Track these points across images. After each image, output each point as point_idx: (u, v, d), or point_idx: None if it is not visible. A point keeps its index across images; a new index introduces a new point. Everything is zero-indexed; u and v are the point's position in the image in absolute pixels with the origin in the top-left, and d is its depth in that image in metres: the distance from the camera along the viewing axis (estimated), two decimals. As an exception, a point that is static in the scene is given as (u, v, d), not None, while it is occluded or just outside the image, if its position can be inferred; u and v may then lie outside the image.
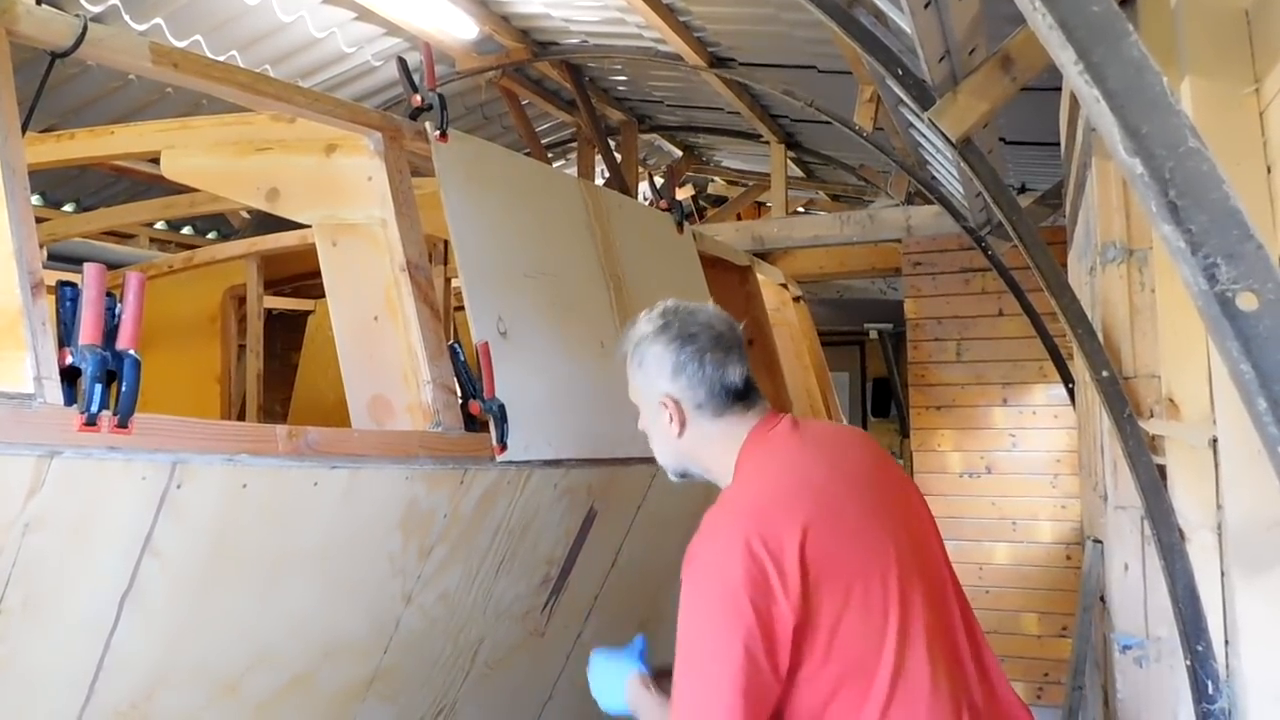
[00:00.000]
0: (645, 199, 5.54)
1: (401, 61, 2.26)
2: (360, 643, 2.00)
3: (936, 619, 1.57)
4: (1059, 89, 2.87)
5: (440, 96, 2.19)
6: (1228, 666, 1.59)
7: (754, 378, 1.71)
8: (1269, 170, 1.41)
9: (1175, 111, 0.69)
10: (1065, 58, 0.71)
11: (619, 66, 5.58)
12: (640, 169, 6.65)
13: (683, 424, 1.67)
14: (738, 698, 1.39)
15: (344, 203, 2.18)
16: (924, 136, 3.86)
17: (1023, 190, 4.97)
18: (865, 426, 9.09)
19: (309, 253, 2.76)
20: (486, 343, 2.09)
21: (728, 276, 3.89)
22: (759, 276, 4.16)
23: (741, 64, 4.87)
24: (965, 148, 2.16)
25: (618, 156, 6.17)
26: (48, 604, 1.49)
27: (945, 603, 1.62)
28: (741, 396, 1.68)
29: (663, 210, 3.24)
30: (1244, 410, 0.70)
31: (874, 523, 1.57)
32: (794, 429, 1.67)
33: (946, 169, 4.16)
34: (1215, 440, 1.56)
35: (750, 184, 7.83)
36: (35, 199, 4.69)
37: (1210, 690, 1.59)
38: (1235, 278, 0.66)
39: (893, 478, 1.72)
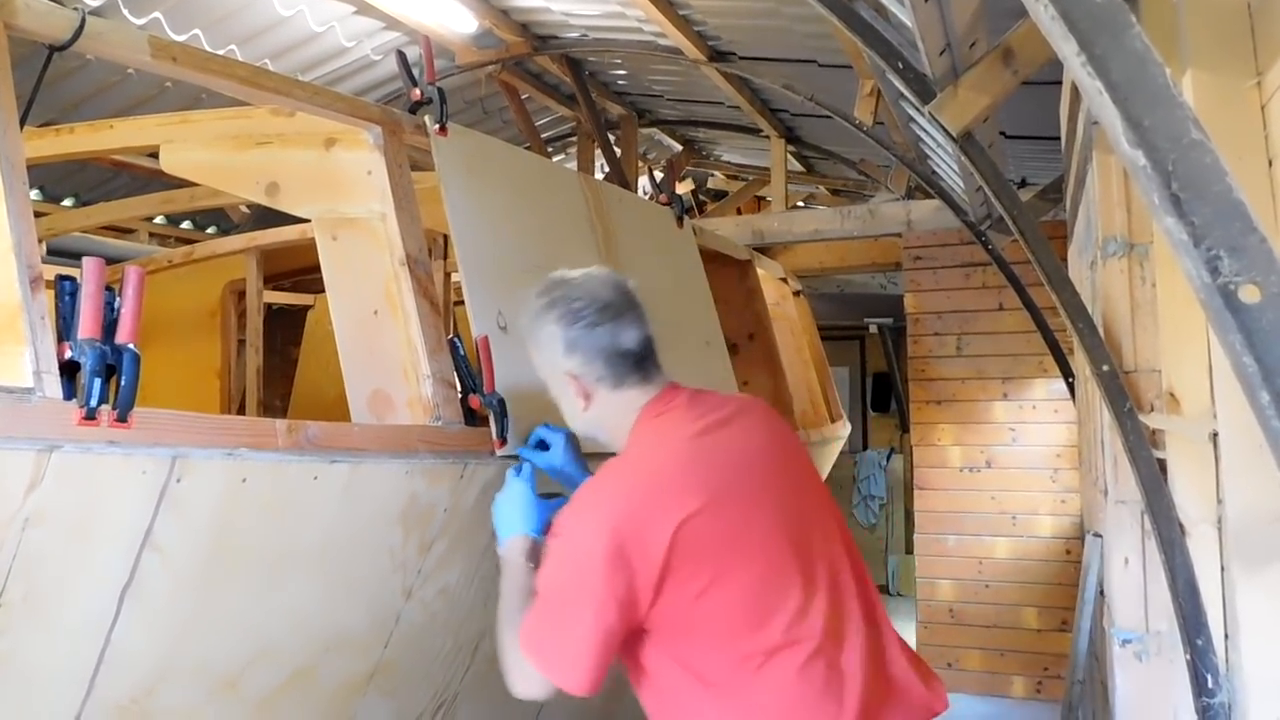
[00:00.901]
0: (645, 193, 5.53)
1: (401, 55, 2.26)
2: (360, 638, 2.00)
3: (826, 596, 1.62)
4: (1059, 83, 2.86)
5: (440, 90, 2.19)
6: (1227, 661, 1.59)
7: (652, 339, 1.75)
8: (1270, 164, 1.40)
9: (1178, 104, 0.68)
10: (1068, 49, 0.70)
11: (619, 61, 5.56)
12: (640, 163, 6.65)
13: (587, 397, 1.72)
14: (592, 639, 1.53)
15: (344, 197, 2.17)
16: (924, 131, 3.86)
17: (1023, 184, 4.97)
18: (865, 421, 9.09)
19: (308, 247, 2.76)
20: (486, 337, 2.09)
21: (728, 271, 3.88)
22: (759, 271, 4.16)
23: (742, 58, 4.87)
24: (966, 142, 2.16)
25: (617, 151, 6.16)
26: (48, 599, 1.49)
27: (836, 579, 1.66)
28: (639, 363, 1.72)
29: (663, 204, 3.24)
30: (1245, 404, 0.70)
31: (759, 509, 1.63)
32: (689, 408, 1.71)
33: (947, 163, 4.15)
34: (1216, 434, 1.56)
35: (750, 178, 7.82)
36: (34, 194, 4.69)
37: (1210, 684, 1.59)
38: (1238, 270, 0.66)
39: (783, 453, 1.75)
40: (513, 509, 1.86)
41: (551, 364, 1.75)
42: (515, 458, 2.04)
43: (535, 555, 1.77)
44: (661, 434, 1.68)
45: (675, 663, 1.60)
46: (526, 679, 1.63)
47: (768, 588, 1.58)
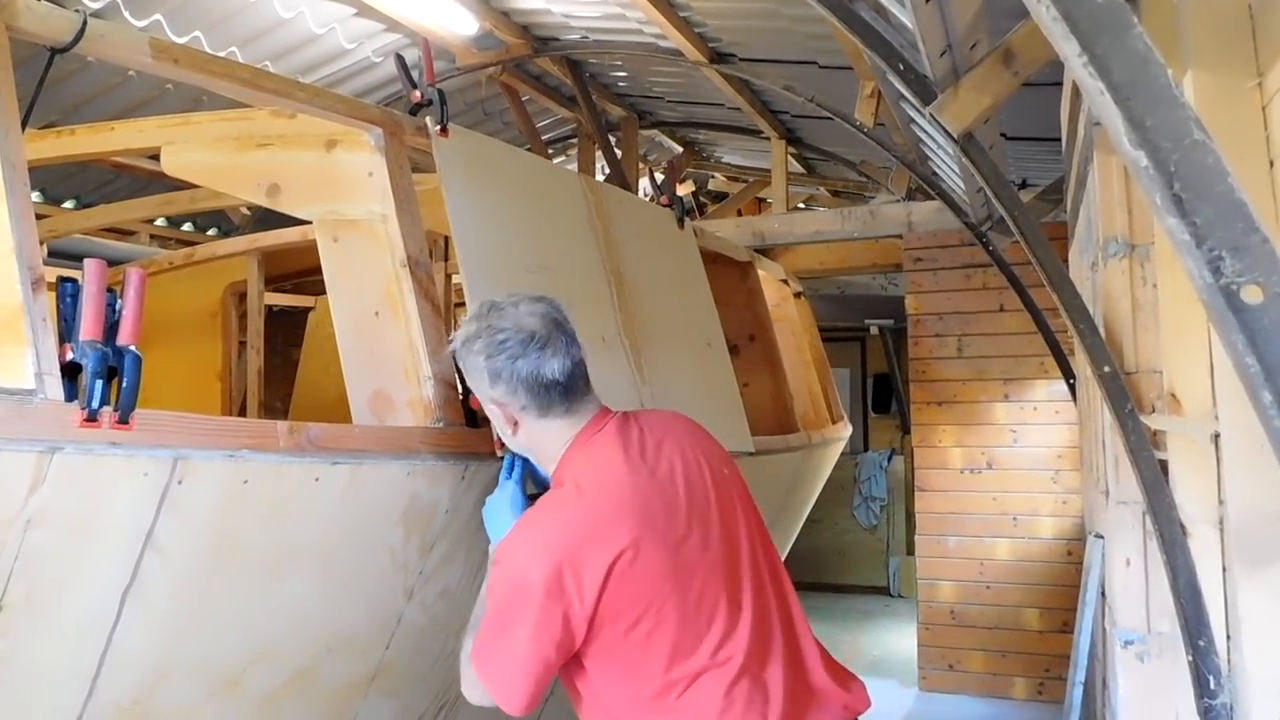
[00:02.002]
0: (646, 195, 5.54)
1: (400, 58, 2.26)
2: (362, 638, 2.00)
3: (750, 615, 1.68)
4: (1060, 84, 2.86)
5: (440, 92, 2.19)
6: (1229, 661, 1.59)
7: (580, 368, 1.76)
8: (1271, 164, 1.40)
9: (1180, 104, 0.68)
10: (1069, 50, 0.70)
11: (619, 62, 5.56)
12: (641, 165, 6.65)
13: (514, 424, 1.75)
14: (526, 665, 1.60)
15: (345, 198, 2.18)
16: (925, 132, 3.86)
17: (1024, 186, 4.97)
18: (866, 422, 9.09)
19: (309, 249, 2.76)
20: (487, 338, 2.09)
21: (729, 272, 3.88)
22: (760, 272, 4.16)
23: (742, 59, 4.87)
24: (967, 143, 2.16)
25: (618, 152, 6.16)
26: (50, 600, 1.49)
27: (760, 596, 1.72)
28: (565, 393, 1.73)
29: (663, 206, 3.24)
30: (1246, 405, 0.70)
31: (687, 538, 1.67)
32: (618, 434, 1.74)
33: (948, 164, 4.15)
34: (1217, 435, 1.56)
35: (751, 180, 7.82)
36: (35, 195, 4.70)
37: (1212, 685, 1.59)
38: (1240, 271, 0.66)
39: (710, 473, 1.78)
40: (503, 511, 1.88)
41: (479, 390, 1.78)
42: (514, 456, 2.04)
43: None
44: (593, 463, 1.71)
45: (609, 687, 1.66)
46: (472, 686, 1.72)
47: (696, 616, 1.64)
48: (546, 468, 1.79)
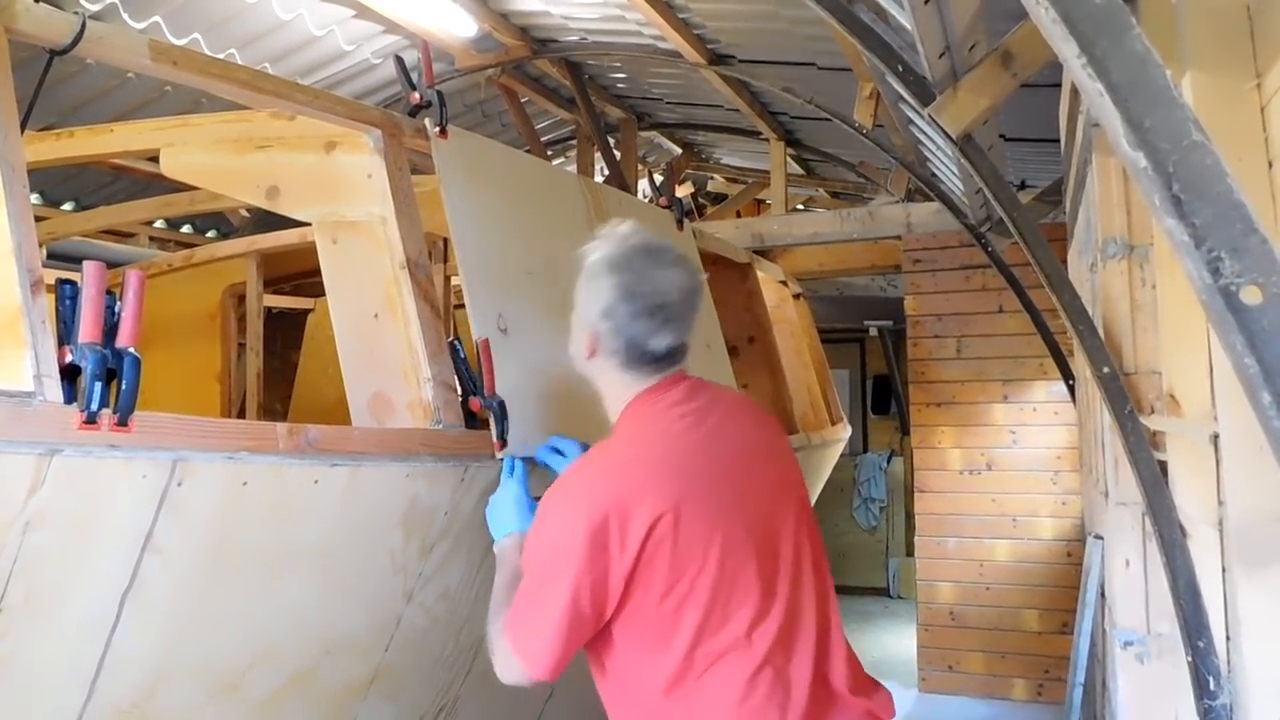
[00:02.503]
0: (645, 196, 5.54)
1: (399, 59, 2.26)
2: (361, 641, 2.00)
3: (783, 606, 1.64)
4: (1058, 85, 2.87)
5: (439, 93, 2.19)
6: (1229, 662, 1.59)
7: (686, 346, 1.74)
8: (1270, 165, 1.40)
9: (1179, 105, 0.68)
10: (1068, 51, 0.70)
11: (618, 64, 5.57)
12: (640, 166, 6.65)
13: (592, 354, 1.72)
14: (561, 625, 1.57)
15: (344, 200, 2.18)
16: (924, 133, 3.86)
17: (1022, 187, 4.97)
18: (865, 424, 9.09)
19: (309, 251, 2.76)
20: (487, 340, 2.09)
21: (728, 274, 3.88)
22: (759, 274, 4.16)
23: (741, 61, 4.87)
24: (966, 144, 2.16)
25: (617, 154, 6.16)
26: (49, 602, 1.49)
27: (796, 590, 1.68)
28: (657, 362, 1.71)
29: (663, 207, 3.24)
30: (1245, 406, 0.70)
31: (729, 513, 1.63)
32: (685, 398, 1.71)
33: (947, 166, 4.15)
34: (1216, 436, 1.56)
35: (750, 181, 7.82)
36: (34, 198, 4.69)
37: (1212, 686, 1.59)
38: (1239, 271, 0.66)
39: (765, 457, 1.75)
40: (506, 509, 1.88)
41: (585, 307, 1.72)
42: (529, 459, 2.04)
43: None
44: (652, 421, 1.68)
45: (635, 660, 1.62)
46: (506, 661, 1.68)
47: (729, 594, 1.60)
48: (602, 403, 1.77)
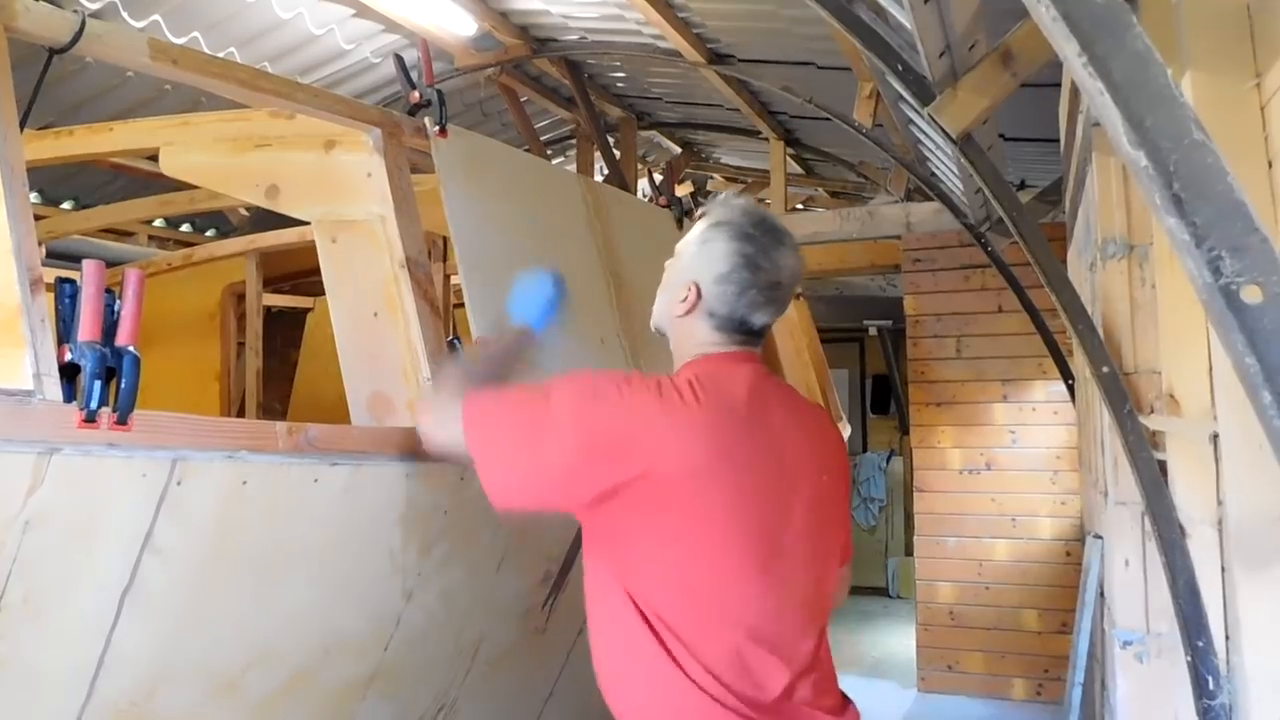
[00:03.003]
0: (644, 196, 5.53)
1: (398, 58, 2.26)
2: (360, 640, 2.00)
3: (777, 618, 1.60)
4: (1058, 85, 2.87)
5: (439, 92, 2.19)
6: (1228, 662, 1.59)
7: (769, 327, 1.76)
8: (1270, 165, 1.40)
9: (1179, 104, 0.68)
10: (1069, 50, 0.70)
11: (618, 63, 5.57)
12: (639, 166, 6.65)
13: (689, 312, 1.71)
14: (534, 467, 1.59)
15: (343, 199, 2.17)
16: (924, 133, 3.86)
17: (1022, 186, 4.97)
18: (865, 423, 9.09)
19: (308, 250, 2.76)
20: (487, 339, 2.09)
21: (727, 273, 3.87)
22: (758, 273, 4.15)
23: (741, 60, 4.87)
24: (965, 143, 2.16)
25: (616, 153, 6.16)
26: (48, 601, 1.49)
27: (796, 609, 1.63)
28: (747, 335, 1.72)
29: (662, 207, 3.24)
30: (1245, 406, 0.70)
31: (757, 504, 1.60)
32: (754, 376, 1.69)
33: (946, 165, 4.15)
34: (1216, 436, 1.56)
35: (749, 181, 7.82)
36: (33, 196, 4.69)
37: (1211, 685, 1.59)
38: (1240, 271, 0.66)
39: (815, 471, 1.71)
40: (537, 297, 1.94)
41: (695, 265, 1.72)
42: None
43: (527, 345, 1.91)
44: (716, 378, 1.66)
45: (638, 610, 1.58)
46: (442, 432, 1.68)
47: (731, 578, 1.57)
48: (674, 351, 1.77)
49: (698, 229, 1.76)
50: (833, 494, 1.74)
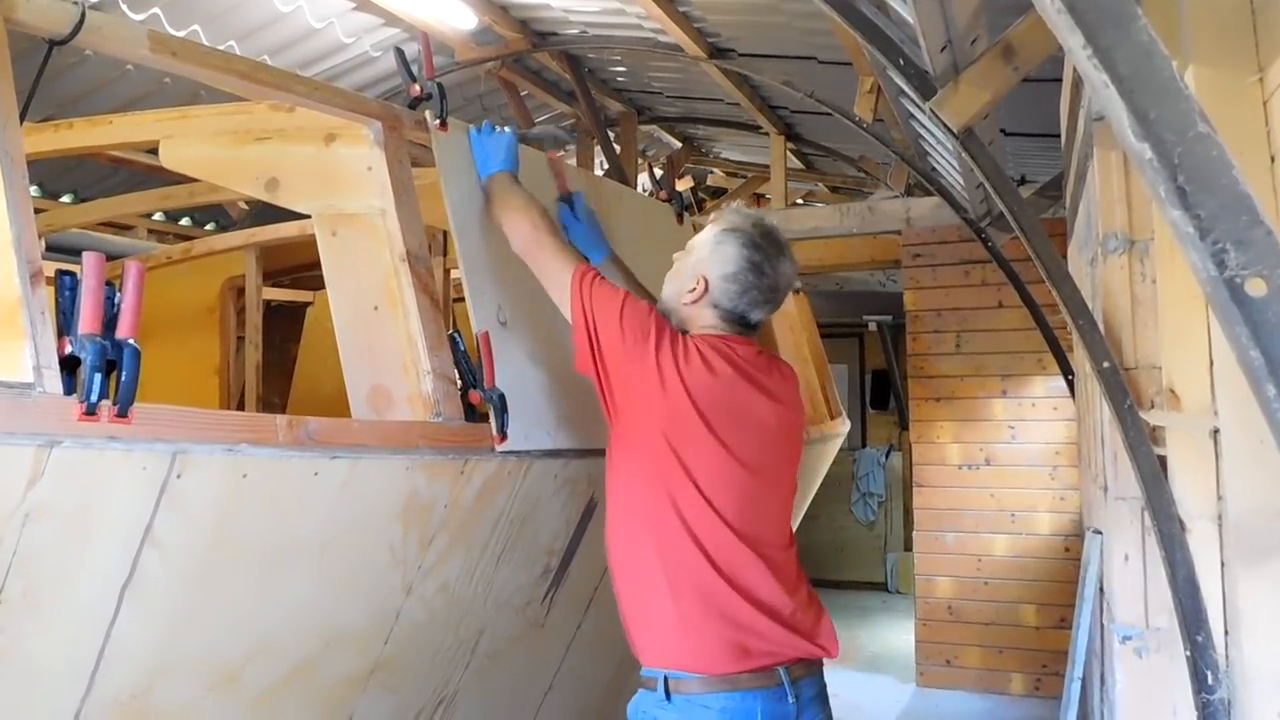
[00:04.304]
0: (645, 190, 5.53)
1: (399, 51, 2.25)
2: (361, 633, 2.00)
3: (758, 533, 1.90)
4: (1058, 80, 2.86)
5: (439, 85, 2.18)
6: (1227, 657, 1.59)
7: (767, 321, 2.07)
8: (1272, 160, 1.40)
9: (1184, 96, 0.68)
10: (1074, 42, 0.70)
11: (618, 57, 5.55)
12: (640, 160, 6.64)
13: (695, 302, 1.98)
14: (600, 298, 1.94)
15: (344, 193, 2.17)
16: (924, 128, 3.85)
17: (1022, 182, 4.96)
18: (864, 419, 9.09)
19: (308, 244, 2.76)
20: (487, 332, 2.09)
21: (727, 268, 3.87)
22: (758, 268, 4.15)
23: (741, 55, 4.86)
24: (966, 138, 2.16)
25: (617, 148, 6.15)
26: (48, 594, 1.49)
27: (761, 542, 1.91)
28: (744, 325, 2.00)
29: (662, 201, 3.24)
30: (1245, 401, 0.70)
31: (741, 455, 1.89)
32: (752, 358, 1.98)
33: (947, 160, 4.15)
34: (1216, 431, 1.56)
35: (750, 175, 7.81)
36: (33, 190, 4.67)
37: (1210, 680, 1.59)
38: (1244, 263, 0.66)
39: (783, 432, 2.02)
40: (497, 150, 2.20)
41: (705, 262, 1.98)
42: (514, 453, 2.05)
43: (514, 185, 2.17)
44: (714, 349, 1.93)
45: (668, 499, 1.86)
46: (515, 231, 2.10)
47: (725, 493, 1.87)
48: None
49: (712, 230, 2.02)
50: (794, 452, 2.07)
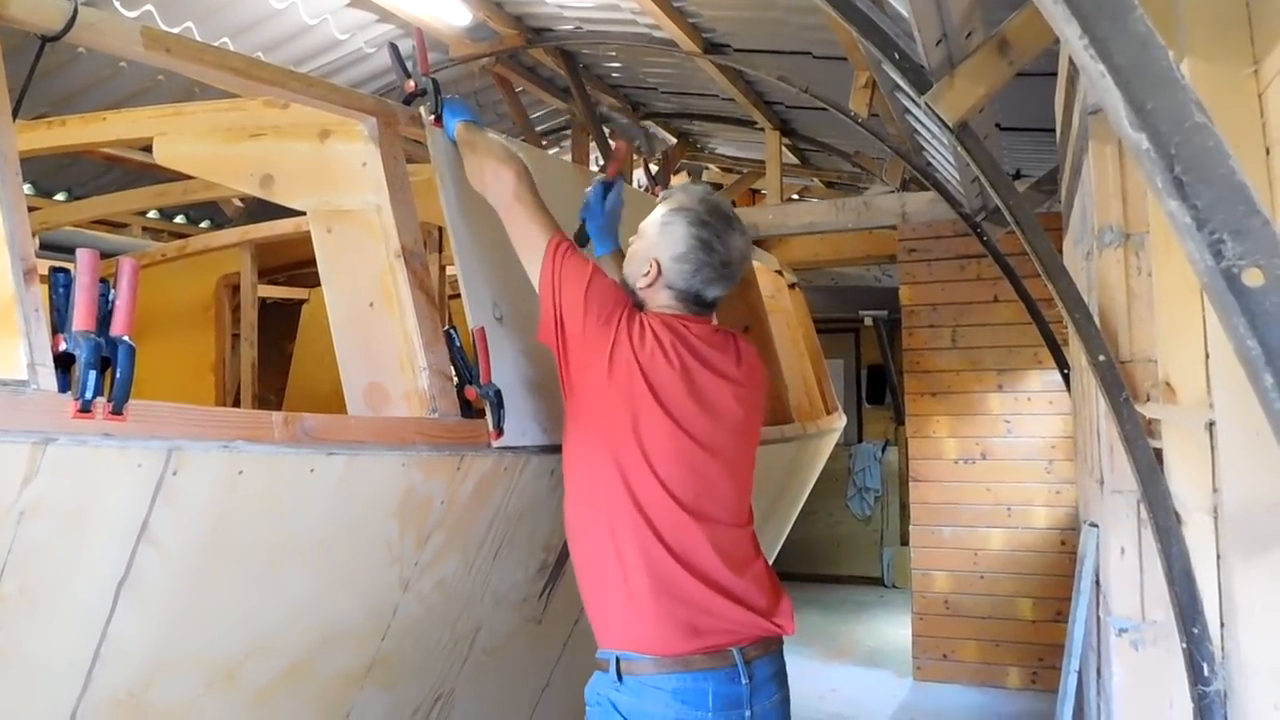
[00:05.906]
0: (640, 186, 5.53)
1: (393, 46, 2.25)
2: (358, 630, 2.00)
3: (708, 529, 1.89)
4: (1053, 74, 2.86)
5: (434, 81, 2.18)
6: (1223, 649, 1.59)
7: (721, 300, 2.04)
8: (1268, 151, 1.40)
9: (1181, 86, 0.68)
10: (1070, 32, 0.70)
11: (613, 53, 5.55)
12: (635, 156, 6.63)
13: (650, 285, 1.99)
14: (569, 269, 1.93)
15: (339, 189, 2.17)
16: (920, 122, 3.85)
17: (1017, 176, 4.97)
18: (860, 413, 9.10)
19: (303, 241, 2.75)
20: (483, 328, 2.09)
21: (723, 263, 3.87)
22: (755, 264, 4.16)
23: (736, 50, 4.85)
24: (962, 132, 2.15)
25: (612, 144, 6.14)
26: (44, 593, 1.48)
27: (716, 524, 1.92)
28: (700, 304, 2.00)
29: (657, 197, 3.23)
30: (1241, 393, 0.70)
31: (696, 436, 1.90)
32: (709, 336, 1.99)
33: (942, 154, 4.15)
34: (1212, 423, 1.56)
35: (745, 171, 7.80)
36: (27, 188, 4.66)
37: (1205, 672, 1.59)
38: (1241, 253, 0.66)
39: (741, 412, 2.01)
40: (459, 106, 2.20)
41: (655, 244, 1.99)
42: (510, 449, 2.05)
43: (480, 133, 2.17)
44: (666, 327, 1.94)
45: (621, 483, 1.87)
46: (497, 184, 2.06)
47: (676, 471, 1.87)
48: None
49: (659, 211, 2.02)
50: (752, 431, 2.07)
